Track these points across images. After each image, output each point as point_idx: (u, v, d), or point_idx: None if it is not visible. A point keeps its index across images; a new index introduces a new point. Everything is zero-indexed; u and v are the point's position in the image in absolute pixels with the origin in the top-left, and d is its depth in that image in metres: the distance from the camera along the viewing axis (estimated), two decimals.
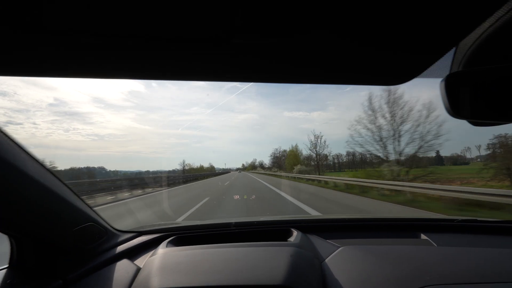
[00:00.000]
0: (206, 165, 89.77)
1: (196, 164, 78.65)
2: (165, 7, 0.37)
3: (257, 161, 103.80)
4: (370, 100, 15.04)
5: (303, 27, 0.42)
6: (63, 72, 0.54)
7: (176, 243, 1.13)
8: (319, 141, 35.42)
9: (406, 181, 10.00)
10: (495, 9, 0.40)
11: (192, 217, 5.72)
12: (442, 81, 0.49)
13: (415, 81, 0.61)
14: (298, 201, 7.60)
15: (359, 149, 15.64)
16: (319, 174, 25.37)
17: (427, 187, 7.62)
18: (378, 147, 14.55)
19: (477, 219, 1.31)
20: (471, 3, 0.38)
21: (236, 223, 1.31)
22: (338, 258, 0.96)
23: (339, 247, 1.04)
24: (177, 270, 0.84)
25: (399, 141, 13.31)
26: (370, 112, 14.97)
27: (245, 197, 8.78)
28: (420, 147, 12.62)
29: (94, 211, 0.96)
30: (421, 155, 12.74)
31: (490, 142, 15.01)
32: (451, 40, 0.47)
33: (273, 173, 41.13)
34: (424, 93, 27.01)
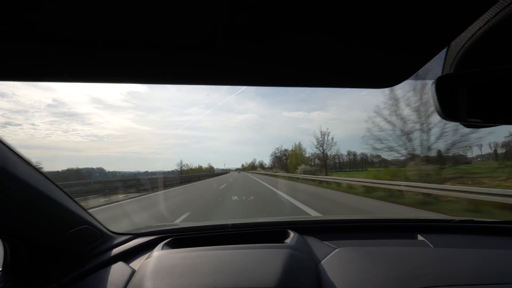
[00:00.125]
0: (205, 165, 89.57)
1: (194, 164, 78.17)
2: (155, 14, 0.37)
3: (257, 161, 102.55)
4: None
5: (287, 30, 0.42)
6: (59, 77, 0.55)
7: (173, 245, 1.13)
8: (325, 138, 31.75)
9: (460, 184, 7.98)
10: (485, 10, 0.40)
11: None
12: (433, 83, 0.49)
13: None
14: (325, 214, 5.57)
15: (378, 146, 13.37)
16: (326, 175, 23.13)
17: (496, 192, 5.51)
18: (401, 142, 12.35)
19: (474, 219, 1.31)
20: (461, 4, 0.38)
21: (233, 224, 1.30)
22: (334, 259, 0.96)
23: (335, 248, 1.04)
24: (172, 273, 0.84)
25: (428, 134, 11.20)
26: (391, 102, 12.63)
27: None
28: (454, 143, 10.59)
29: (89, 213, 0.95)
30: (455, 152, 10.67)
31: (506, 140, 12.91)
32: (442, 41, 0.47)
33: (273, 173, 38.35)
34: None
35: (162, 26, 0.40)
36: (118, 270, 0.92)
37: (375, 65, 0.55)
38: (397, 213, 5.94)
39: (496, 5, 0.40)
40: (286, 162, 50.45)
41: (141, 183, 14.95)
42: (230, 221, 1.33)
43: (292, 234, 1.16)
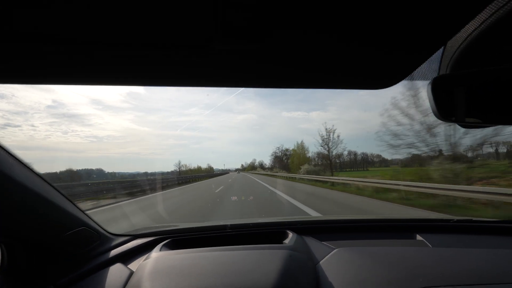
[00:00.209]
0: (204, 166, 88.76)
1: (193, 165, 77.20)
2: (152, 14, 0.37)
3: (257, 161, 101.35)
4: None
5: (284, 30, 0.42)
6: (57, 79, 0.54)
7: (171, 246, 1.12)
8: (331, 136, 29.12)
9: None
10: (480, 10, 0.40)
11: None
12: (429, 83, 0.49)
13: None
14: None
15: (395, 142, 11.88)
16: (332, 175, 21.74)
17: None
18: (422, 138, 10.90)
19: (472, 219, 1.31)
20: (457, 4, 0.38)
21: (232, 225, 1.29)
22: (333, 260, 0.96)
23: (334, 248, 1.03)
24: (170, 274, 0.83)
25: (454, 129, 9.81)
26: (411, 92, 10.45)
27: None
28: (485, 138, 9.28)
29: (86, 215, 0.94)
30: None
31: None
32: (438, 41, 0.47)
33: (274, 173, 36.46)
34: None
35: (160, 26, 0.39)
36: (116, 272, 0.91)
37: (371, 65, 0.54)
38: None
39: (491, 5, 0.40)
40: (287, 162, 48.91)
41: (133, 185, 13.96)
42: (229, 222, 1.33)
43: (290, 234, 1.17)
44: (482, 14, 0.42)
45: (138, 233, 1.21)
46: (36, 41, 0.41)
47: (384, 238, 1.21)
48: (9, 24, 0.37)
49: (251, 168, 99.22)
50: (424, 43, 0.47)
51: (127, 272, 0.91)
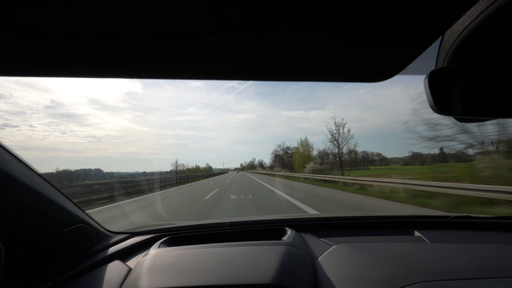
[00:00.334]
0: (203, 165, 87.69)
1: (191, 164, 75.75)
2: (147, 5, 0.37)
3: (256, 160, 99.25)
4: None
5: (278, 23, 0.41)
6: (48, 72, 0.54)
7: (170, 243, 1.11)
8: (341, 131, 24.93)
9: None
10: (476, 0, 0.40)
11: None
12: (426, 77, 0.49)
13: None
14: None
15: (428, 134, 9.77)
16: (342, 174, 19.60)
17: None
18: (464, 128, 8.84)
19: (470, 215, 1.29)
20: None
21: (230, 222, 1.28)
22: (331, 256, 0.95)
23: (333, 245, 1.03)
24: (168, 270, 0.83)
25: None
26: None
27: None
28: None
29: (84, 212, 0.94)
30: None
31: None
32: (433, 33, 0.46)
33: (275, 173, 34.21)
34: None
35: (155, 18, 0.39)
36: (114, 269, 0.91)
37: (367, 58, 0.53)
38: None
39: None
40: (289, 160, 46.46)
41: (125, 187, 12.71)
42: (227, 220, 1.32)
43: (289, 231, 1.16)
44: (478, 5, 0.42)
45: (136, 231, 1.21)
46: (29, 34, 0.40)
47: (382, 235, 1.20)
48: (3, 16, 0.37)
49: (251, 167, 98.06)
50: (419, 35, 0.46)
51: (125, 269, 0.91)
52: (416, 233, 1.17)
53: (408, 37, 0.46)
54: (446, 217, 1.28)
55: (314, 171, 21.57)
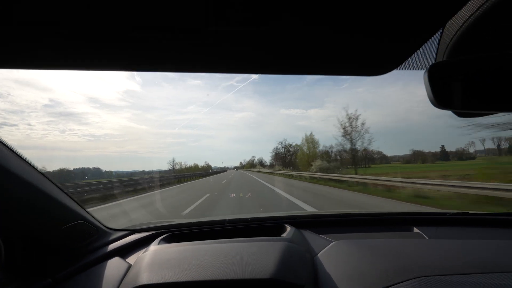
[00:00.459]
0: (202, 163, 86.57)
1: (190, 163, 74.39)
2: None
3: (256, 158, 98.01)
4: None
5: (278, 14, 0.41)
6: (47, 64, 0.53)
7: (169, 240, 1.12)
8: (354, 124, 21.10)
9: None
10: None
11: None
12: (425, 71, 0.49)
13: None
14: None
15: (485, 121, 7.94)
16: (356, 173, 18.09)
17: None
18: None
19: (469, 212, 1.30)
20: None
21: (230, 219, 1.29)
22: (331, 252, 0.96)
23: (332, 241, 1.03)
24: (167, 266, 0.83)
25: None
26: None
27: None
28: None
29: (84, 209, 0.94)
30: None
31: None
32: (433, 26, 0.46)
33: (278, 171, 32.06)
34: None
35: (154, 7, 0.38)
36: (114, 265, 0.92)
37: (367, 51, 0.53)
38: None
39: None
40: (292, 158, 44.94)
41: (116, 187, 11.99)
42: (227, 217, 1.33)
43: (289, 228, 1.17)
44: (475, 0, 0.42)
45: (136, 228, 1.22)
46: (26, 24, 0.40)
47: (381, 231, 1.21)
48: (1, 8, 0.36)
49: (250, 165, 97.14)
50: (419, 28, 0.46)
51: (125, 266, 0.91)
52: (415, 230, 1.19)
53: (408, 30, 0.46)
54: (445, 213, 1.30)
55: (322, 169, 20.03)
